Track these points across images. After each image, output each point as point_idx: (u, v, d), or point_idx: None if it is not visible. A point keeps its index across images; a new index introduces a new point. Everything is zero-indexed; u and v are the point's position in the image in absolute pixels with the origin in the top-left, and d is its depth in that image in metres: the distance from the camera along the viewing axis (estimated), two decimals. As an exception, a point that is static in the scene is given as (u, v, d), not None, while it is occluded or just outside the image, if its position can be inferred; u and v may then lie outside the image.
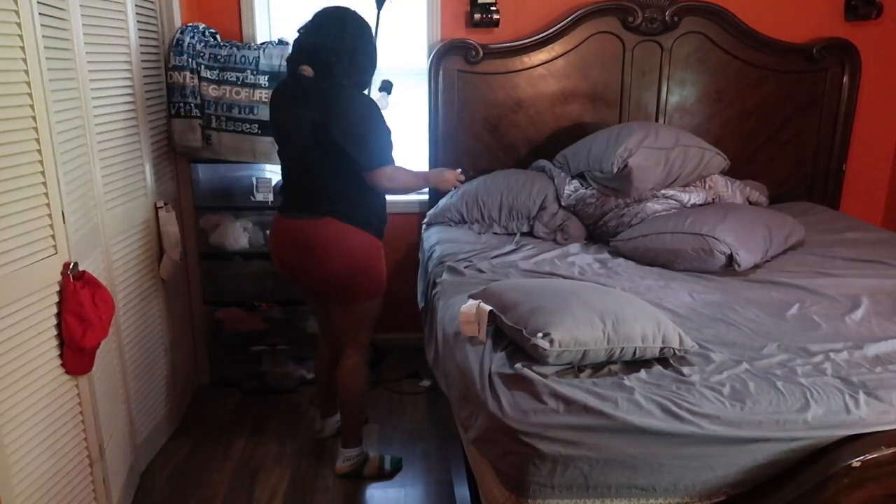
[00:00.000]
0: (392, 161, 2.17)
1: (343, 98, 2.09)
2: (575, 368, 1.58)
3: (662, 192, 2.68)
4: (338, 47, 2.09)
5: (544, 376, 1.51)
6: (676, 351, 1.61)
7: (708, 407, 1.46)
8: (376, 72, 2.29)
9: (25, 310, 1.67)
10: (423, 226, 3.03)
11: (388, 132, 2.17)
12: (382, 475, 2.46)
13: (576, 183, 2.83)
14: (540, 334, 1.53)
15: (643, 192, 2.64)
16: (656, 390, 1.50)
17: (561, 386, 1.48)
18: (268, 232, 2.94)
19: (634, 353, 1.58)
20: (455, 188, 2.52)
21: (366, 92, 2.26)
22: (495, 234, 2.82)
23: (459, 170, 2.43)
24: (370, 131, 2.11)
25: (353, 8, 2.18)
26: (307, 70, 2.10)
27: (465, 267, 2.35)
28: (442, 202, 2.98)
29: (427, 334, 2.32)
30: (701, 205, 2.70)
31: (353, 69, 2.13)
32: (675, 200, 2.68)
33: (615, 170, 2.59)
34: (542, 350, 1.51)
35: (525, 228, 2.81)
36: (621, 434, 1.42)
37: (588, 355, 1.55)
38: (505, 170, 3.07)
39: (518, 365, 1.55)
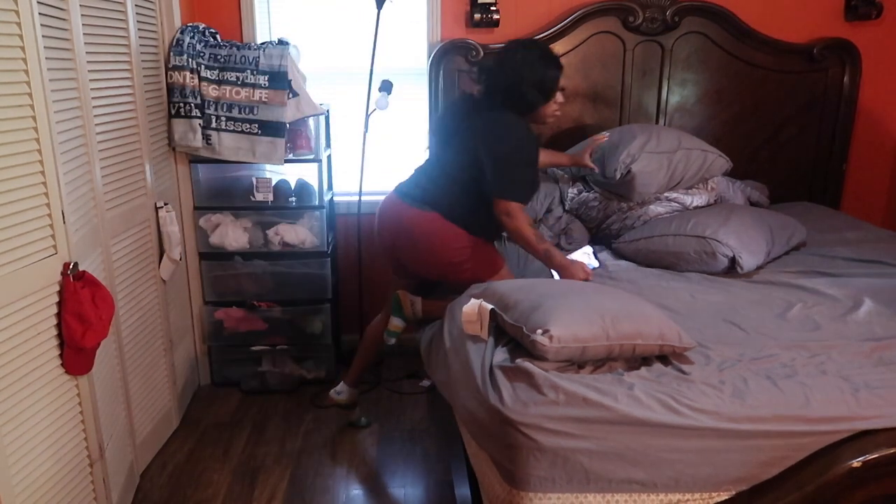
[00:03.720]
0: (521, 201, 2.21)
1: (502, 122, 2.22)
2: (575, 365, 1.58)
3: (665, 194, 2.68)
4: (505, 73, 2.23)
5: (545, 369, 1.52)
6: (676, 349, 1.62)
7: (707, 403, 1.46)
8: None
9: (25, 310, 1.67)
10: None
11: (532, 174, 2.25)
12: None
13: (579, 186, 2.83)
14: (540, 331, 1.53)
15: (646, 196, 2.64)
16: (656, 386, 1.51)
17: (561, 378, 1.49)
18: (268, 232, 2.95)
19: (634, 350, 1.58)
20: None
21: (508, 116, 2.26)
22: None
23: (592, 266, 2.36)
24: (513, 161, 2.19)
25: (538, 44, 2.33)
26: (476, 89, 2.32)
27: None
28: None
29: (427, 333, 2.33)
30: (703, 206, 2.70)
31: (516, 96, 2.23)
32: (678, 203, 2.68)
33: (618, 176, 2.59)
34: (541, 346, 1.52)
35: None
36: (621, 426, 1.43)
37: (588, 352, 1.55)
38: None
39: (518, 360, 1.55)
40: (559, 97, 2.31)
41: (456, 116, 2.38)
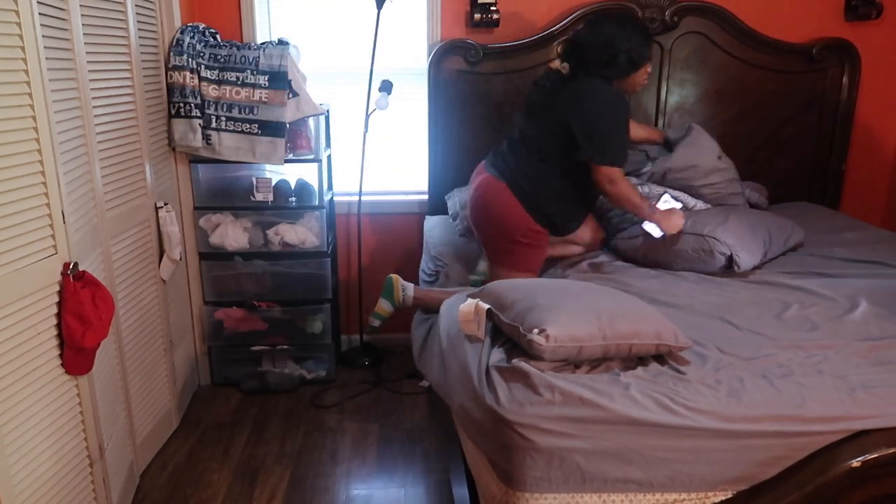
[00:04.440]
0: (620, 165, 2.25)
1: (594, 90, 2.24)
2: (571, 365, 1.58)
3: (672, 192, 2.67)
4: (598, 44, 2.25)
5: (541, 369, 1.52)
6: (673, 348, 1.62)
7: (703, 402, 1.47)
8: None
9: (25, 310, 1.67)
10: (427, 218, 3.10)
11: (625, 138, 2.29)
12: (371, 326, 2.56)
13: None
14: (536, 330, 1.53)
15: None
16: (652, 386, 1.51)
17: (557, 378, 1.49)
18: (268, 232, 2.95)
19: (630, 350, 1.59)
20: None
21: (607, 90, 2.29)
22: None
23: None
24: (607, 127, 2.22)
25: (626, 17, 2.39)
26: (558, 65, 2.38)
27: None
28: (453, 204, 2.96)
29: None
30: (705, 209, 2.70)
31: (609, 65, 2.25)
32: (682, 202, 2.68)
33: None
34: (537, 346, 1.52)
35: None
36: (617, 426, 1.44)
37: (584, 352, 1.55)
38: None
39: (515, 360, 1.56)
40: (648, 66, 2.34)
41: (542, 91, 2.38)
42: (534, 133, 2.34)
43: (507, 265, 2.36)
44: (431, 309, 2.23)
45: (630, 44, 2.25)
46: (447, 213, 3.07)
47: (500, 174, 2.35)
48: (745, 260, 2.31)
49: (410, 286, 2.39)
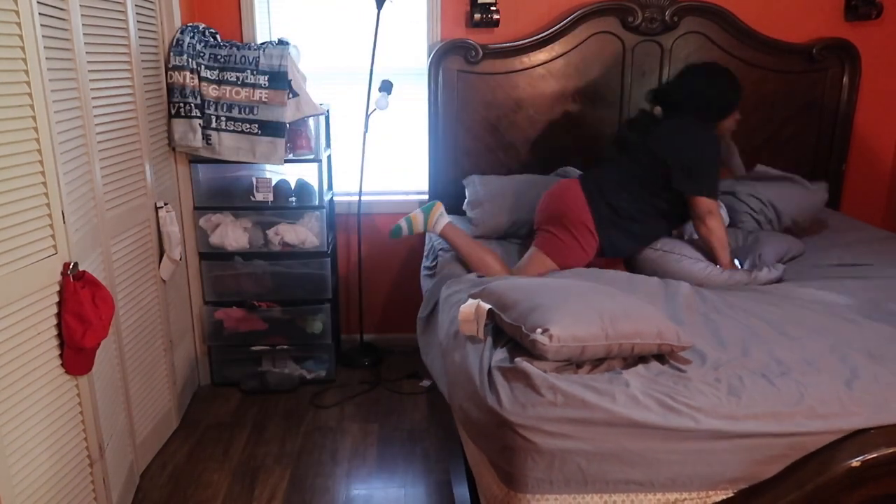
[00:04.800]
0: (717, 197, 2.32)
1: (692, 126, 2.36)
2: (574, 364, 1.58)
3: None
4: (685, 91, 2.42)
5: (543, 370, 1.52)
6: (675, 348, 1.62)
7: (704, 401, 1.47)
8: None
9: (25, 310, 1.67)
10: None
11: (718, 174, 2.35)
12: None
13: None
14: (539, 330, 1.53)
15: None
16: (654, 385, 1.51)
17: (559, 380, 1.48)
18: (268, 232, 2.95)
19: (633, 349, 1.59)
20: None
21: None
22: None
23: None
24: (705, 161, 2.31)
25: (721, 66, 2.47)
26: (657, 110, 2.52)
27: None
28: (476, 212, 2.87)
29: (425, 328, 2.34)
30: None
31: (703, 108, 2.39)
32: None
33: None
34: (541, 346, 1.52)
35: None
36: (618, 428, 1.43)
37: (587, 351, 1.55)
38: (524, 175, 3.02)
39: (517, 360, 1.55)
40: (737, 114, 2.48)
41: (635, 128, 2.52)
42: (623, 166, 2.41)
43: (546, 250, 2.38)
44: (454, 248, 2.47)
45: (720, 93, 2.39)
46: (448, 214, 3.05)
47: (580, 182, 2.43)
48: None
49: (447, 221, 2.51)
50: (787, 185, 2.85)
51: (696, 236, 2.44)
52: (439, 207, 2.52)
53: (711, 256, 2.33)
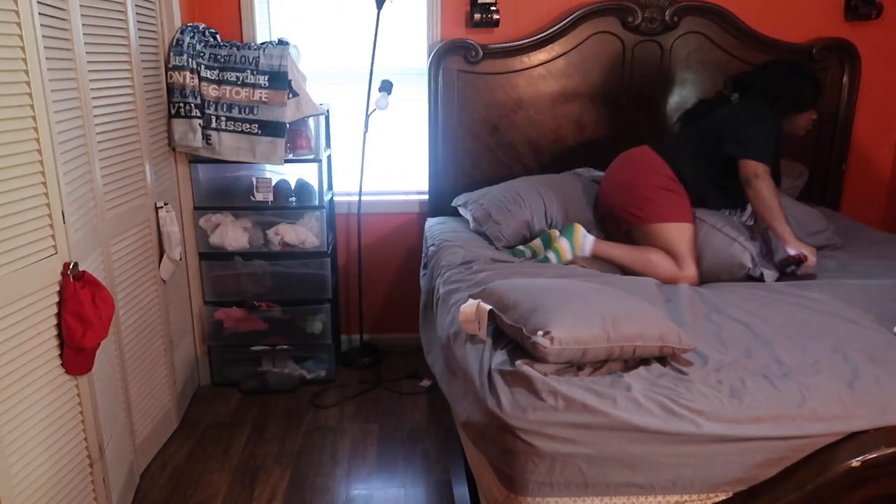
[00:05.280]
0: (767, 162, 2.31)
1: (751, 104, 2.45)
2: (575, 367, 1.58)
3: None
4: (761, 77, 2.50)
5: (544, 374, 1.51)
6: (676, 350, 1.62)
7: (705, 404, 1.46)
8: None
9: (25, 310, 1.67)
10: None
11: (771, 146, 2.37)
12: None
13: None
14: (540, 332, 1.53)
15: None
16: (655, 388, 1.50)
17: (560, 384, 1.48)
18: (268, 232, 2.95)
19: (634, 351, 1.58)
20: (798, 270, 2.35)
21: None
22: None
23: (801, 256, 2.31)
24: (751, 127, 2.36)
25: (796, 62, 2.56)
26: (734, 96, 2.56)
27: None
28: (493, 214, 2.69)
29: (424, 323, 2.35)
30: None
31: (775, 96, 2.44)
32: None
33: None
34: (542, 348, 1.51)
35: None
36: (620, 432, 1.43)
37: (588, 354, 1.55)
38: (536, 176, 2.95)
39: (518, 362, 1.55)
40: (813, 113, 2.49)
41: (704, 104, 2.62)
42: (687, 136, 2.51)
43: (656, 216, 2.37)
44: (615, 263, 2.41)
45: (796, 86, 2.43)
46: (448, 215, 3.06)
47: (650, 147, 2.50)
48: (769, 274, 2.31)
49: (591, 238, 2.43)
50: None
51: (750, 222, 2.47)
52: (579, 230, 2.41)
53: (770, 228, 2.33)
